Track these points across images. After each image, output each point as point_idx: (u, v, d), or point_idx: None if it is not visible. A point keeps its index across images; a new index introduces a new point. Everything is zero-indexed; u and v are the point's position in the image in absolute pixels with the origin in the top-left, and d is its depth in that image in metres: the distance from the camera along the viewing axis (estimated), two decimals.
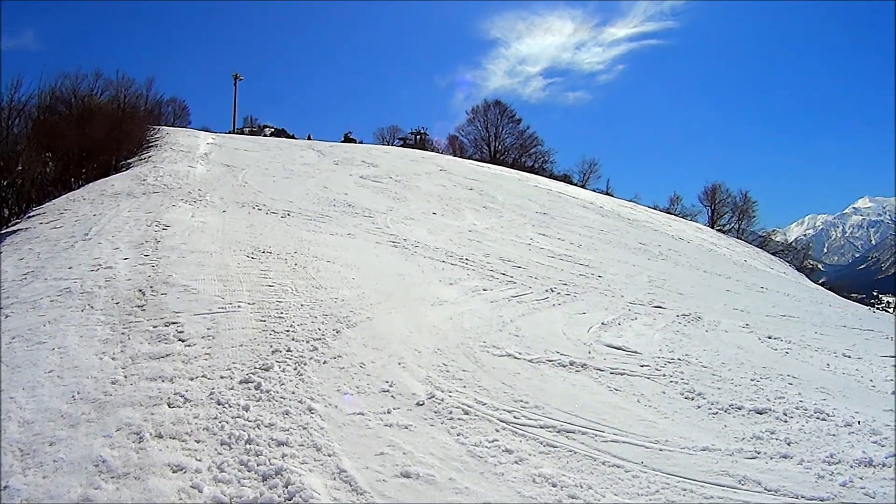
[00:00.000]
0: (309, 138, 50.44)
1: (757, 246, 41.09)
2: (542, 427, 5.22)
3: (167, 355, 6.23)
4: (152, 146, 26.31)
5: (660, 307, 10.74)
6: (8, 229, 13.68)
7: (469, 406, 5.51)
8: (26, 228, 12.97)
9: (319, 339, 6.93)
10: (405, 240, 13.52)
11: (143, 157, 23.38)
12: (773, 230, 58.59)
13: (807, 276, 33.87)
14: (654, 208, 41.38)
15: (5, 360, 6.18)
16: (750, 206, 56.23)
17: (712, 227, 46.18)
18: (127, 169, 20.67)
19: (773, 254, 38.20)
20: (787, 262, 37.88)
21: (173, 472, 4.20)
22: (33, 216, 14.33)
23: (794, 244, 58.52)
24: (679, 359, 7.40)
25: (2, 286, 8.82)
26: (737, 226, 54.89)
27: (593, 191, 43.90)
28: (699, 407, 5.93)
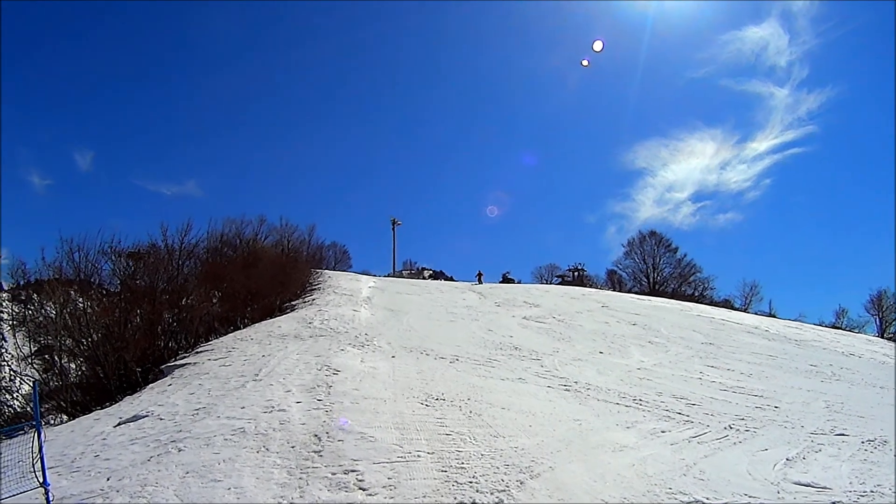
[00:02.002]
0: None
1: None
2: None
3: None
4: (315, 289, 27.95)
5: (843, 435, 10.27)
6: (177, 362, 14.63)
7: None
8: (195, 363, 13.89)
9: (504, 490, 6.73)
10: (576, 382, 13.23)
11: (306, 299, 24.81)
12: None
13: None
14: (821, 325, 38.81)
15: (180, 495, 6.30)
16: None
17: (882, 337, 42.26)
18: (291, 311, 21.99)
19: None
20: None
21: None
22: (201, 351, 15.37)
23: None
24: (871, 491, 7.28)
25: (175, 419, 9.25)
26: None
27: (756, 314, 41.85)
28: None
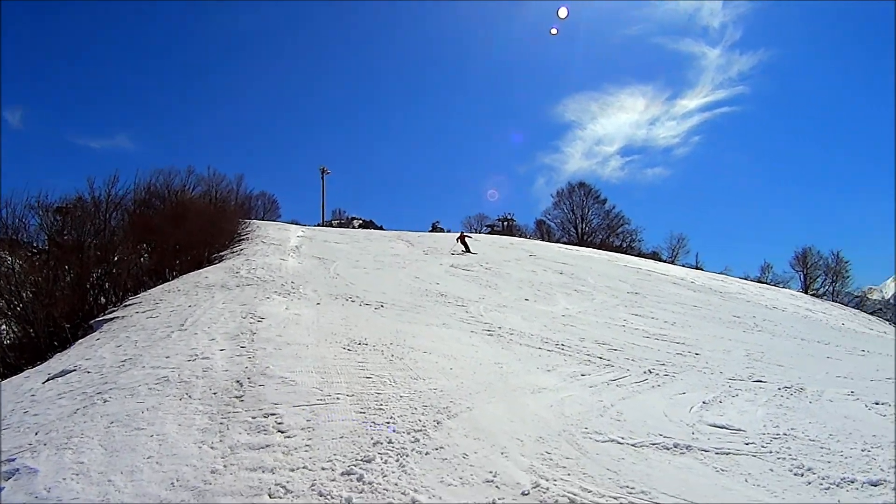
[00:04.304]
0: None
1: (854, 307, 39.35)
2: None
3: (267, 446, 6.40)
4: (244, 239, 27.78)
5: (760, 381, 10.54)
6: (105, 316, 14.53)
7: (574, 494, 5.39)
8: (123, 317, 13.82)
9: (420, 430, 6.97)
10: (500, 328, 13.65)
11: (234, 249, 24.68)
12: (869, 288, 57.14)
13: None
14: (746, 279, 40.77)
15: (104, 444, 6.46)
16: (843, 267, 55.89)
17: (806, 293, 44.75)
18: (220, 261, 21.89)
19: (870, 313, 35.77)
20: (887, 320, 35.49)
21: None
22: (129, 305, 15.27)
23: (892, 301, 54.88)
24: (785, 434, 7.41)
25: (101, 372, 9.32)
26: (831, 288, 54.40)
27: (683, 266, 43.56)
28: (810, 483, 5.83)
